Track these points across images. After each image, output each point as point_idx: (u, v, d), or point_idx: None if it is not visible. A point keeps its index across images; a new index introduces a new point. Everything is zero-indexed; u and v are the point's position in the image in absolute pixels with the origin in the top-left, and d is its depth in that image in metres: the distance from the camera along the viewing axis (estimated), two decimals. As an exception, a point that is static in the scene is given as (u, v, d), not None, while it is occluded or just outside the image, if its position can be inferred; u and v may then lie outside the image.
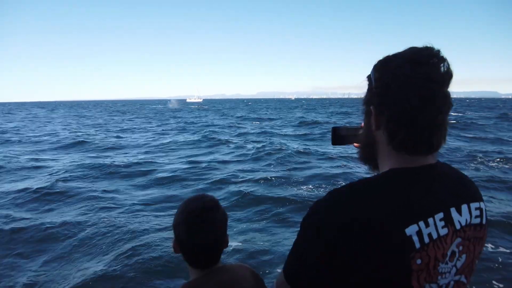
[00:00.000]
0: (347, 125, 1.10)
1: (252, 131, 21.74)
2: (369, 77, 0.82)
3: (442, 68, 0.72)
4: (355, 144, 1.02)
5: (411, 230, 0.69)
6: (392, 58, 0.77)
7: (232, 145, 15.31)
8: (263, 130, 22.48)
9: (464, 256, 0.76)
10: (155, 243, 5.10)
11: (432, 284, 0.72)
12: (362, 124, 0.92)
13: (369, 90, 0.82)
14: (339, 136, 1.05)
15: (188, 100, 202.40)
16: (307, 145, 15.15)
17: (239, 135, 20.03)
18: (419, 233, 0.69)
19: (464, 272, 0.78)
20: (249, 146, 14.77)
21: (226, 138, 17.82)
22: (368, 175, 0.83)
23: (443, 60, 0.73)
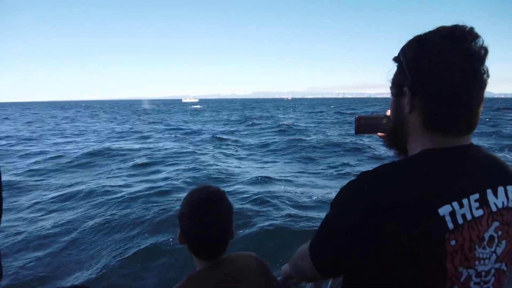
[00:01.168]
0: (373, 113, 1.09)
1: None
2: (397, 59, 0.79)
3: (478, 44, 0.70)
4: (379, 134, 1.01)
5: (444, 210, 0.67)
6: (427, 36, 0.74)
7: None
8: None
9: (504, 242, 0.73)
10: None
11: (469, 270, 0.69)
12: (388, 112, 0.92)
13: (400, 72, 0.79)
14: (362, 125, 1.04)
15: (184, 100, 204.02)
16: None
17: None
18: (452, 213, 0.67)
19: (505, 259, 0.74)
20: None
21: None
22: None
23: (477, 36, 0.70)
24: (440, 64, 0.69)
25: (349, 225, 0.71)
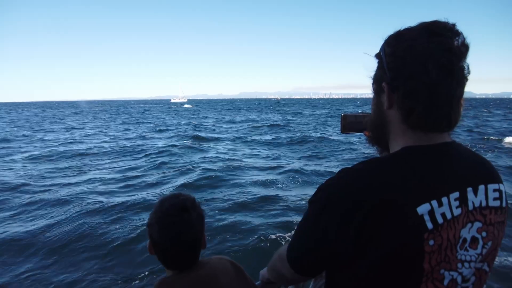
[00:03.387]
0: (357, 111, 1.08)
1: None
2: (378, 55, 0.78)
3: (459, 40, 0.69)
4: (365, 132, 0.99)
5: (423, 209, 0.65)
6: (406, 31, 0.73)
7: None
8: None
9: (489, 243, 0.73)
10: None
11: (452, 272, 0.68)
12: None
13: (379, 67, 0.79)
14: (348, 124, 1.02)
15: (172, 100, 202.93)
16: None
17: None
18: (431, 212, 0.65)
19: (488, 259, 0.74)
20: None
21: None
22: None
23: (458, 33, 0.69)
24: (415, 59, 0.68)
25: (328, 224, 0.69)
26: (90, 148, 14.52)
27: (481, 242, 0.71)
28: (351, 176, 0.71)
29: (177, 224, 1.03)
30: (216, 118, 34.43)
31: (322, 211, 0.71)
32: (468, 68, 0.70)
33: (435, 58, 0.67)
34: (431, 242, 0.65)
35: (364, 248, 0.65)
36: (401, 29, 0.74)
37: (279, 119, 32.48)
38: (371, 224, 0.64)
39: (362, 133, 1.01)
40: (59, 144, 16.30)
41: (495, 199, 0.74)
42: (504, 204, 0.76)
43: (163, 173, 9.82)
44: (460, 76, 0.69)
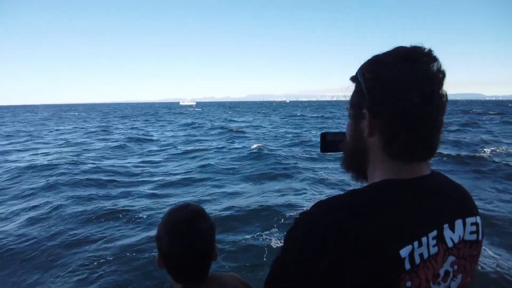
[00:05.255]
0: (336, 130, 1.05)
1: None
2: (355, 78, 0.76)
3: (435, 67, 0.69)
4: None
5: (406, 251, 0.63)
6: (384, 57, 0.71)
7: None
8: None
9: (459, 276, 0.71)
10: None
11: None
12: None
13: (357, 92, 0.75)
14: (328, 143, 0.98)
15: (181, 103, 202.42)
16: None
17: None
18: (411, 253, 0.63)
19: None
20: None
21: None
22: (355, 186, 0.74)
23: (435, 59, 0.69)
24: (398, 86, 0.67)
25: (306, 258, 0.65)
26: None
27: (451, 275, 0.70)
28: (327, 210, 0.68)
29: (187, 235, 1.00)
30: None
31: (296, 245, 0.67)
32: (446, 96, 0.70)
33: (416, 85, 0.67)
34: (408, 283, 0.62)
35: (340, 285, 0.62)
36: (379, 54, 0.73)
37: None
38: (348, 261, 0.61)
39: (342, 153, 0.95)
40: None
41: (471, 232, 0.73)
42: (480, 238, 0.74)
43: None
44: (440, 103, 0.69)
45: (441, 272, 0.68)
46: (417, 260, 0.64)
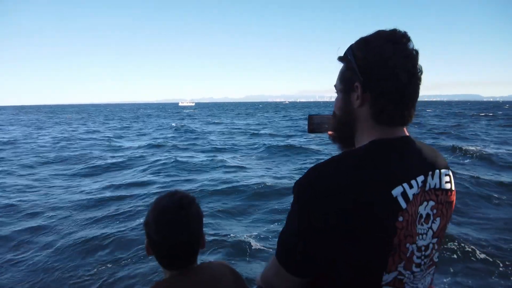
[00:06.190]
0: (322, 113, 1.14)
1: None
2: (345, 58, 0.87)
3: (411, 45, 0.81)
4: (329, 132, 1.04)
5: (396, 191, 0.76)
6: (371, 39, 0.83)
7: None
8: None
9: (438, 219, 0.85)
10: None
11: (412, 245, 0.79)
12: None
13: (348, 68, 0.86)
14: (315, 124, 1.07)
15: (180, 104, 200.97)
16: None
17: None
18: (404, 194, 0.76)
19: (439, 235, 0.86)
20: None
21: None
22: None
23: (410, 39, 0.81)
24: (387, 65, 0.78)
25: (313, 217, 0.75)
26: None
27: (431, 218, 0.83)
28: (325, 169, 0.80)
29: (175, 222, 1.00)
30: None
31: (301, 206, 0.78)
32: (421, 69, 0.82)
33: (401, 64, 0.78)
34: (400, 218, 0.75)
35: (345, 233, 0.73)
36: (366, 37, 0.84)
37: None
38: (350, 210, 0.72)
39: (327, 133, 1.05)
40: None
41: (446, 182, 0.86)
42: (453, 187, 0.89)
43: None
44: (419, 78, 0.82)
45: (423, 213, 0.81)
46: (411, 198, 0.77)
